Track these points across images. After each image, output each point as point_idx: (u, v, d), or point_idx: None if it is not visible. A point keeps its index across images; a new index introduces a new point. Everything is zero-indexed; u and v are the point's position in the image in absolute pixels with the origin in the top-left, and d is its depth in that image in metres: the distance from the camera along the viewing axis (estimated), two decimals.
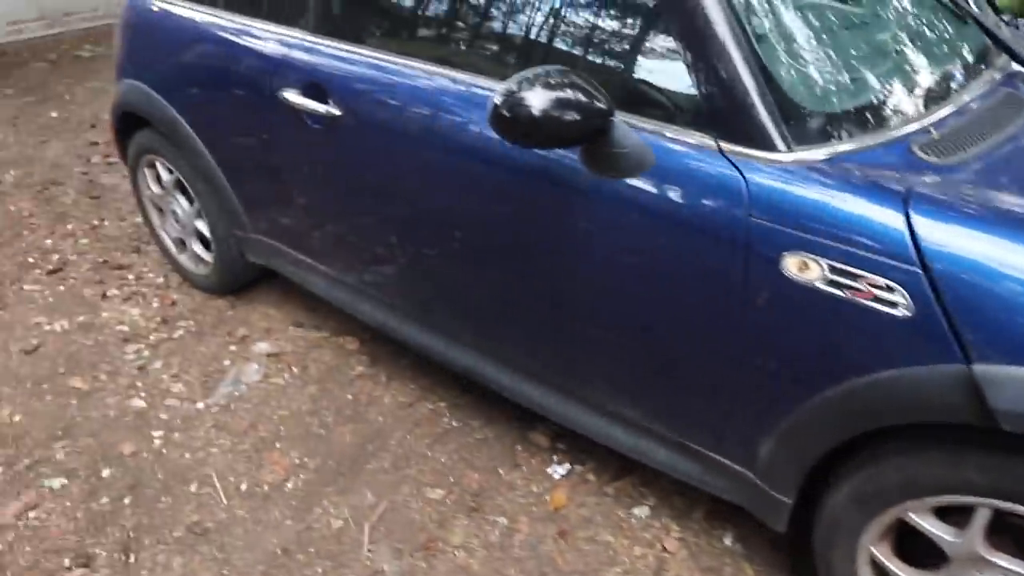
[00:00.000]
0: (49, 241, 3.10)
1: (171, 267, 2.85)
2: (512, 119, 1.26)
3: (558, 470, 1.98)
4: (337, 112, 1.79)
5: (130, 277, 2.83)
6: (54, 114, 4.69)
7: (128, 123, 2.59)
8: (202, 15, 2.17)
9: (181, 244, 2.73)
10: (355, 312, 2.16)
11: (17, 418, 2.17)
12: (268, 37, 1.96)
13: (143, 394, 2.26)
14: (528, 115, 1.25)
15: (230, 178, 2.27)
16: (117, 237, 3.14)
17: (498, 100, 1.26)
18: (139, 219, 3.25)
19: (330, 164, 1.91)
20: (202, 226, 2.53)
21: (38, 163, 3.93)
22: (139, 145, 2.57)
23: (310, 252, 2.20)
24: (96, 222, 3.26)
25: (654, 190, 1.38)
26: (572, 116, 1.27)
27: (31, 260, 2.96)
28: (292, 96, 1.87)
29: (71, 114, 4.69)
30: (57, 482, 1.96)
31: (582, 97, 1.27)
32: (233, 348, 2.45)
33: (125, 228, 3.20)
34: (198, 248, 2.63)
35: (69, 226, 3.24)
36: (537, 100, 1.25)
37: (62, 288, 2.78)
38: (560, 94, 1.26)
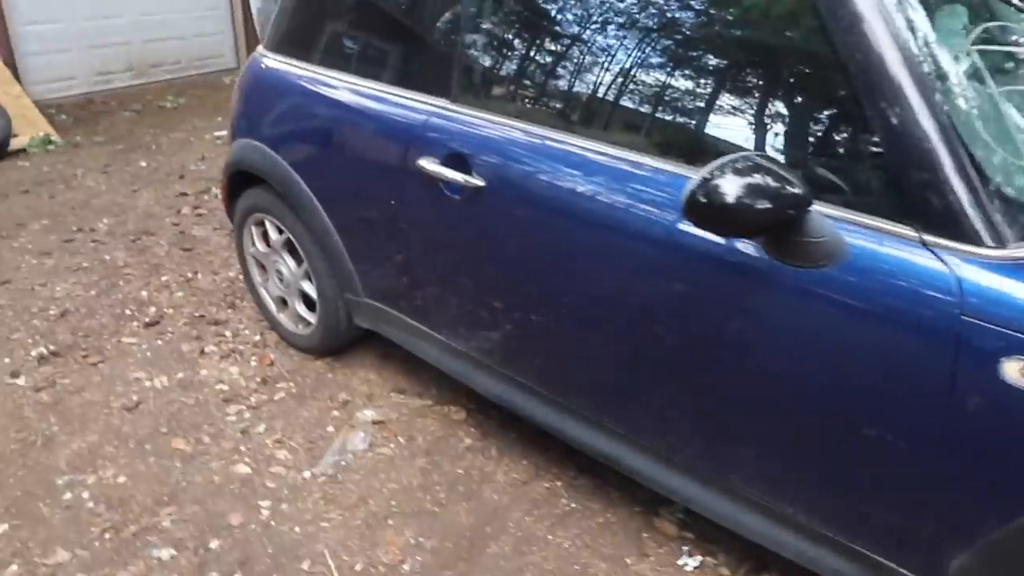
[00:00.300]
0: (145, 293, 3.10)
1: (268, 325, 2.81)
2: (707, 206, 1.19)
3: (689, 562, 1.84)
4: (479, 183, 1.73)
5: (227, 334, 2.80)
6: (143, 163, 4.79)
7: (239, 180, 2.59)
8: (330, 79, 2.16)
9: (282, 303, 2.70)
10: (470, 383, 2.07)
11: (122, 479, 2.11)
12: (405, 105, 1.93)
13: (248, 459, 2.18)
14: (723, 202, 1.18)
15: (347, 242, 2.23)
16: (211, 291, 3.12)
17: (694, 187, 1.19)
18: (232, 273, 3.26)
19: (466, 235, 1.85)
20: (308, 287, 2.49)
21: (131, 212, 3.98)
22: (249, 203, 2.56)
23: (427, 320, 2.13)
24: (190, 275, 3.26)
25: (847, 282, 1.28)
26: (767, 204, 1.19)
27: (128, 312, 2.95)
28: (430, 165, 1.82)
29: (159, 164, 4.78)
30: (166, 553, 1.88)
31: (778, 184, 1.19)
32: (336, 414, 2.38)
33: (219, 282, 3.19)
34: (301, 308, 2.59)
35: (164, 278, 3.24)
36: (732, 187, 1.18)
37: (160, 342, 2.75)
38: (756, 181, 1.19)
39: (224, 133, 5.51)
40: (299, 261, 2.50)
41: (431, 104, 1.88)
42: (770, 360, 1.41)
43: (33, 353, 2.65)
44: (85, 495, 2.04)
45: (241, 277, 3.21)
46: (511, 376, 1.96)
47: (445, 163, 1.81)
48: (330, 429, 2.31)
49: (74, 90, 6.42)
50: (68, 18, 6.28)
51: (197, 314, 2.94)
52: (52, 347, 2.69)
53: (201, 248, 3.54)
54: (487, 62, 1.81)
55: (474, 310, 1.95)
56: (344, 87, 2.11)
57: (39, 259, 3.41)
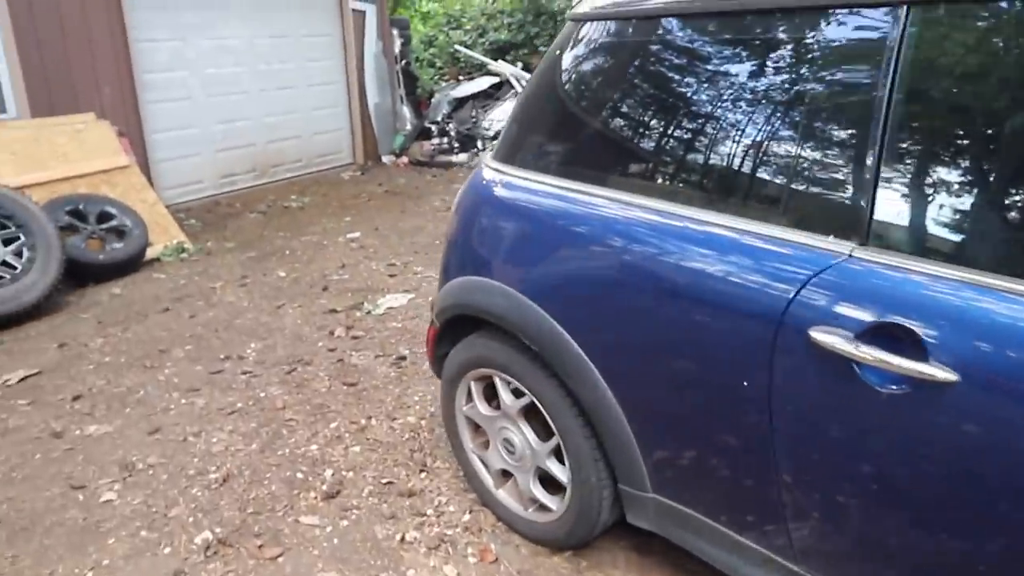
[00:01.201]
0: (315, 447, 2.53)
1: (478, 499, 2.18)
2: None
3: None
4: (947, 376, 1.08)
5: (428, 511, 2.17)
6: (281, 273, 4.35)
7: (456, 325, 2.02)
8: (626, 206, 1.56)
9: (503, 477, 2.08)
10: None
11: None
12: (772, 250, 1.31)
13: None
14: None
15: (638, 425, 1.59)
16: (393, 445, 2.53)
17: None
18: (413, 419, 2.67)
19: (894, 441, 1.19)
20: (556, 468, 1.86)
21: (278, 334, 3.49)
22: (472, 354, 1.97)
23: (766, 539, 1.46)
24: (363, 421, 2.69)
25: None
26: None
27: (300, 475, 2.38)
28: (838, 341, 1.18)
29: (299, 274, 4.34)
30: None
31: None
32: None
33: (399, 433, 2.60)
34: (538, 491, 1.95)
35: (332, 424, 2.67)
36: None
37: (346, 523, 2.14)
38: None
39: (358, 235, 5.09)
40: (546, 434, 1.88)
41: (824, 248, 1.25)
42: None
43: (198, 540, 2.08)
44: None
45: (425, 426, 2.62)
46: None
47: (865, 339, 1.17)
48: None
49: (202, 193, 6.19)
50: (198, 123, 6.11)
51: (384, 480, 2.33)
52: (219, 530, 2.11)
53: (366, 382, 2.98)
54: (941, 194, 1.18)
55: (880, 543, 1.27)
56: (651, 217, 1.51)
57: (188, 397, 2.91)
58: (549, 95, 1.83)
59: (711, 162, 1.46)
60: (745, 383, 1.35)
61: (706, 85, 1.49)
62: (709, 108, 1.48)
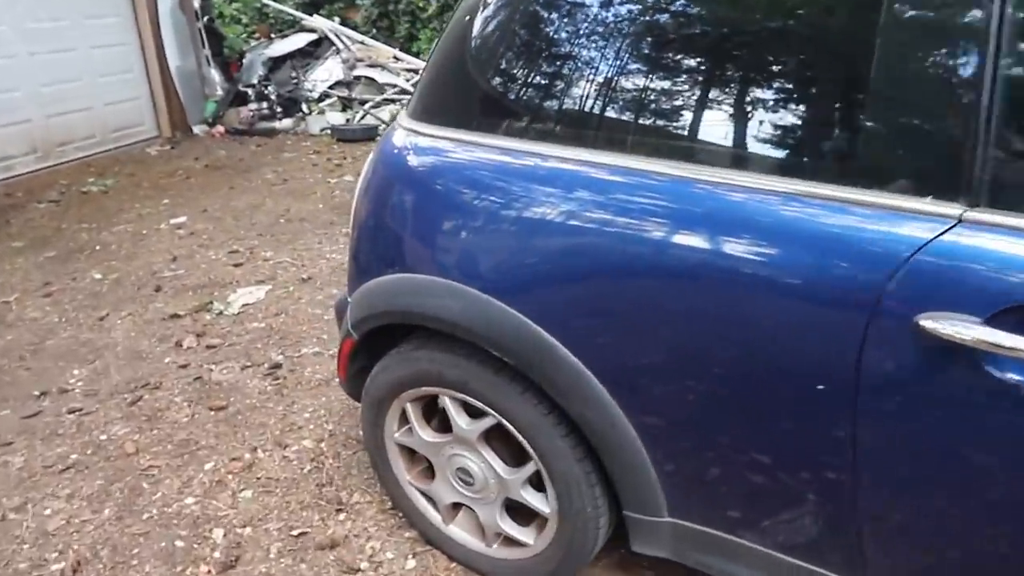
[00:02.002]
0: (191, 500, 1.96)
1: (419, 538, 1.77)
2: None
3: None
4: None
5: (363, 566, 1.72)
6: (96, 274, 3.52)
7: (375, 336, 1.56)
8: (656, 173, 1.19)
9: (453, 509, 1.68)
10: None
11: None
12: (864, 222, 1.00)
13: None
14: None
15: (659, 443, 1.26)
16: (293, 482, 2.02)
17: None
18: (309, 443, 2.17)
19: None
20: (534, 498, 1.50)
21: (108, 353, 2.76)
22: (406, 371, 1.52)
23: (819, 553, 1.20)
24: (247, 455, 2.14)
25: None
26: None
27: (179, 544, 1.82)
28: (955, 328, 0.91)
29: (119, 273, 3.53)
30: None
31: None
32: None
33: (297, 465, 2.09)
34: (509, 526, 1.58)
35: (208, 466, 2.10)
36: None
37: None
38: None
39: (184, 220, 4.30)
40: (516, 460, 1.50)
41: (927, 213, 0.97)
42: None
43: None
44: None
45: (327, 450, 2.14)
46: None
47: (996, 324, 0.91)
48: None
49: None
50: None
51: (293, 531, 1.84)
52: None
53: (238, 403, 2.41)
54: None
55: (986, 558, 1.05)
56: (680, 185, 1.15)
57: None
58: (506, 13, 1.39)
59: (752, 109, 1.13)
60: (820, 387, 1.06)
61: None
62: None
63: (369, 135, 6.27)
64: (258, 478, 2.04)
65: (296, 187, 4.95)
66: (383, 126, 6.40)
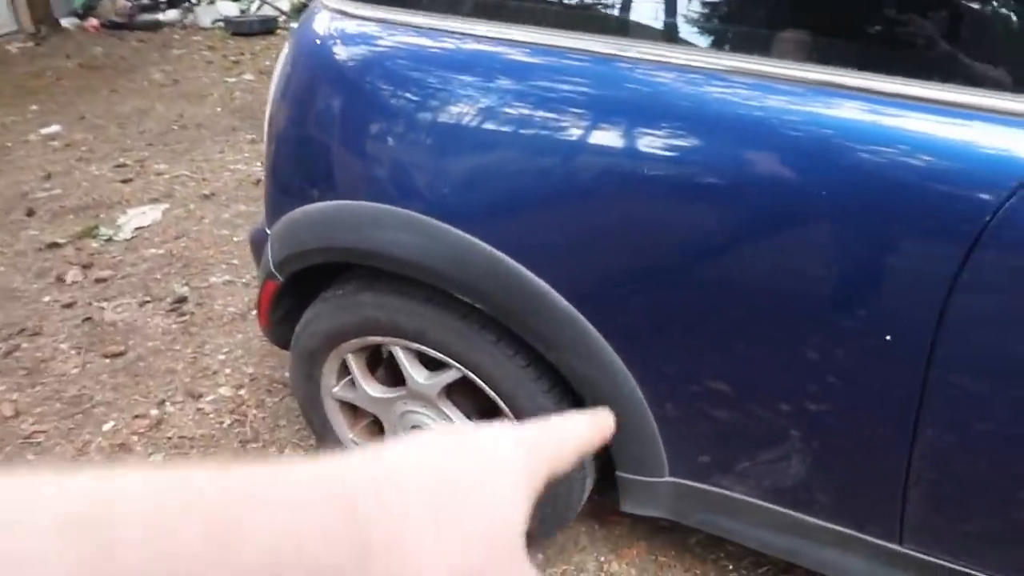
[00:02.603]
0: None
1: None
2: None
3: None
4: None
5: None
6: None
7: (302, 277, 1.25)
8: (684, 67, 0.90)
9: None
10: None
11: None
12: (964, 132, 0.75)
13: None
14: None
15: (668, 399, 1.03)
16: (213, 440, 1.72)
17: None
18: (226, 390, 1.87)
19: None
20: None
21: None
22: (351, 318, 1.23)
23: (854, 515, 1.03)
24: (154, 411, 1.81)
25: None
26: None
27: None
28: None
29: None
30: None
31: None
32: None
33: (214, 420, 1.77)
34: None
35: (108, 426, 1.76)
36: None
37: None
38: None
39: (57, 129, 3.69)
40: (480, 414, 1.25)
41: None
42: None
43: None
44: None
45: (248, 398, 1.84)
46: None
47: None
48: None
49: None
50: None
51: None
52: None
53: (139, 346, 2.05)
54: None
55: None
56: (671, 63, 0.88)
57: None
58: None
59: None
60: (888, 336, 0.84)
61: None
62: None
63: (267, 27, 5.57)
64: (168, 438, 1.73)
65: (189, 89, 4.33)
66: (283, 17, 5.72)
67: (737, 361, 0.98)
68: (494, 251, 0.99)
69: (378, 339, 1.23)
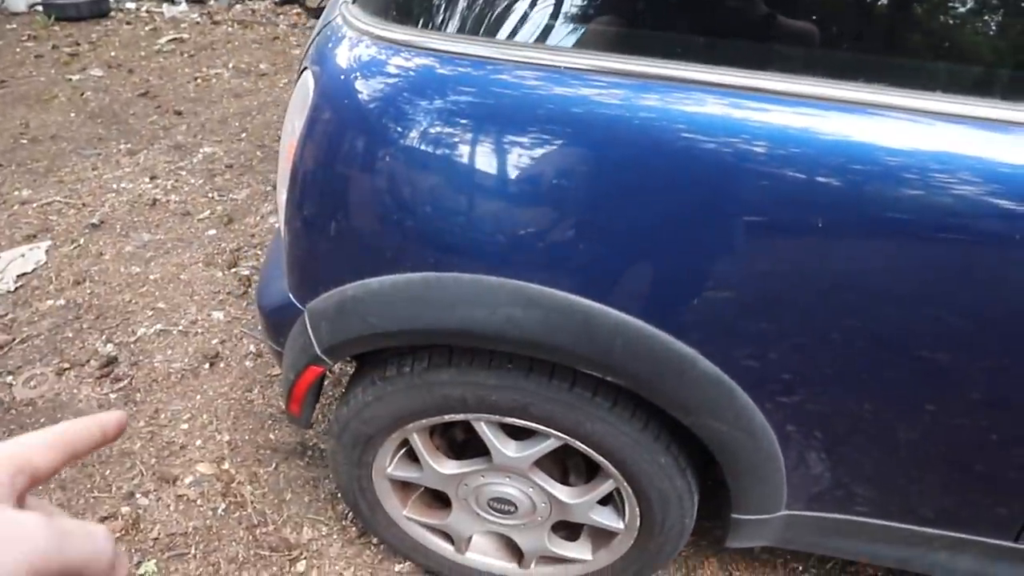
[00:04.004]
0: None
1: (416, 570, 1.36)
2: None
3: None
4: None
5: None
6: None
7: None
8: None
9: (467, 540, 1.28)
10: None
11: None
12: None
13: None
14: None
15: (800, 437, 0.95)
16: (210, 531, 1.46)
17: None
18: (205, 468, 1.61)
19: None
20: (605, 517, 1.15)
21: None
22: (422, 400, 1.03)
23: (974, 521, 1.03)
24: (123, 508, 1.50)
25: None
26: None
27: None
28: None
29: None
30: None
31: None
32: None
33: (200, 505, 1.50)
34: (559, 548, 1.22)
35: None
36: None
37: None
38: None
39: None
40: (576, 477, 1.13)
41: None
42: None
43: None
44: None
45: (239, 475, 1.59)
46: None
47: None
48: None
49: None
50: None
51: None
52: None
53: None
54: None
55: None
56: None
57: None
58: None
59: None
60: None
61: None
62: None
63: (100, 10, 4.82)
64: (155, 539, 1.45)
65: (25, 90, 3.66)
66: None
67: (879, 401, 0.93)
68: (637, 322, 0.86)
69: (459, 417, 1.07)
